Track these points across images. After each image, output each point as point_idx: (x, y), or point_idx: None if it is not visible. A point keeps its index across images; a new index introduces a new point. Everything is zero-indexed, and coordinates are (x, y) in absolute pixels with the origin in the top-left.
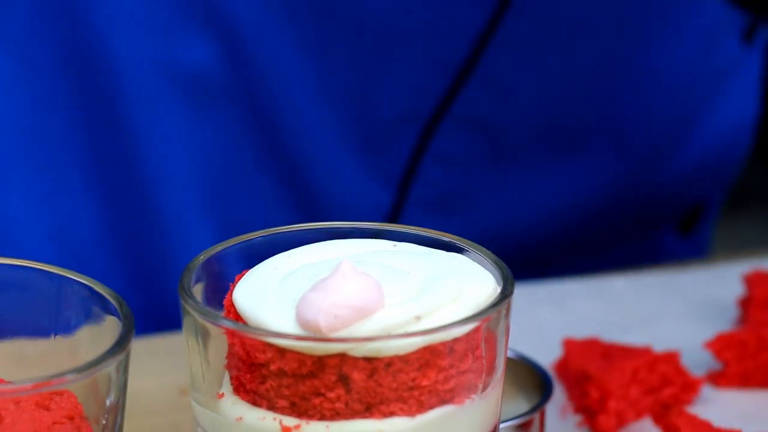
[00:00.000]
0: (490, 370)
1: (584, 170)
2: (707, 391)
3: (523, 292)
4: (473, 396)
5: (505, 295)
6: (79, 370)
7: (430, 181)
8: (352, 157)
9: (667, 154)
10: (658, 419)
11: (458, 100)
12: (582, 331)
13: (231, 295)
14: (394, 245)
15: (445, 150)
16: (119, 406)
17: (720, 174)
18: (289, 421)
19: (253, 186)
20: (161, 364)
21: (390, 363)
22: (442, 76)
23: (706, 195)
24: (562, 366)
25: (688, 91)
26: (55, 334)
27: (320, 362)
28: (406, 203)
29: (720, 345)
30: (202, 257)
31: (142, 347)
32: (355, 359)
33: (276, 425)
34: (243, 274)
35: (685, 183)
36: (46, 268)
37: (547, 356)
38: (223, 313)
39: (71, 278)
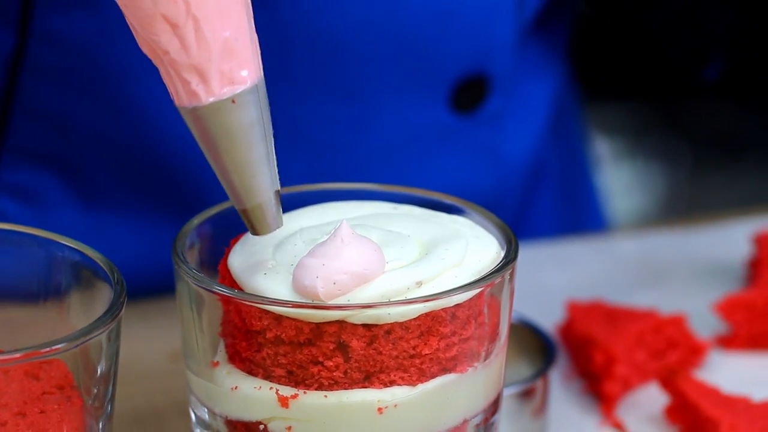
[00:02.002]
0: (494, 337)
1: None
2: (715, 355)
3: (525, 253)
4: (476, 364)
5: (509, 259)
6: (69, 339)
7: (2, 216)
8: None
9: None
10: (664, 384)
11: (11, 132)
12: (586, 293)
13: (226, 260)
14: (395, 207)
15: (14, 183)
16: (111, 375)
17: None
18: (286, 390)
19: None
20: (152, 328)
21: (390, 330)
22: None
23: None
24: (566, 330)
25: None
26: (45, 300)
27: (318, 330)
28: None
29: (728, 307)
30: (196, 221)
31: (132, 312)
32: (354, 326)
33: (272, 395)
34: (238, 239)
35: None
36: (34, 232)
37: (550, 319)
38: (218, 279)
39: (61, 243)
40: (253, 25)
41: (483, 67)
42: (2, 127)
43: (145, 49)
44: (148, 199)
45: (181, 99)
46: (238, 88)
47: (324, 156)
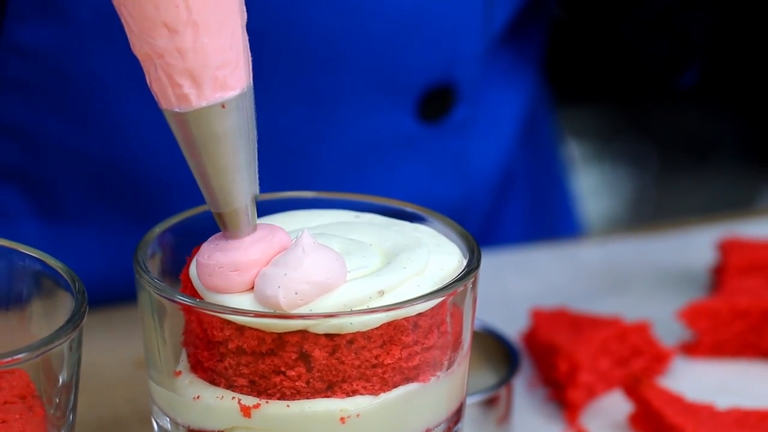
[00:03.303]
0: (456, 345)
1: None
2: (679, 362)
3: (489, 260)
4: (439, 373)
5: (471, 268)
6: (30, 348)
7: None
8: None
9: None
10: (628, 392)
11: None
12: (550, 300)
13: (188, 270)
14: (357, 216)
15: None
16: (72, 384)
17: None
18: (248, 400)
19: None
20: (115, 336)
21: (352, 340)
22: None
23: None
24: (530, 337)
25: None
26: (6, 310)
27: (280, 339)
28: None
29: (692, 314)
30: (158, 229)
31: (95, 320)
32: (317, 336)
33: (234, 404)
34: (200, 247)
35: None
36: None
37: (513, 326)
38: (179, 288)
39: (22, 252)
40: (245, 31)
41: (449, 77)
42: None
43: (137, 51)
44: (114, 210)
45: (169, 102)
46: (229, 94)
47: (289, 162)
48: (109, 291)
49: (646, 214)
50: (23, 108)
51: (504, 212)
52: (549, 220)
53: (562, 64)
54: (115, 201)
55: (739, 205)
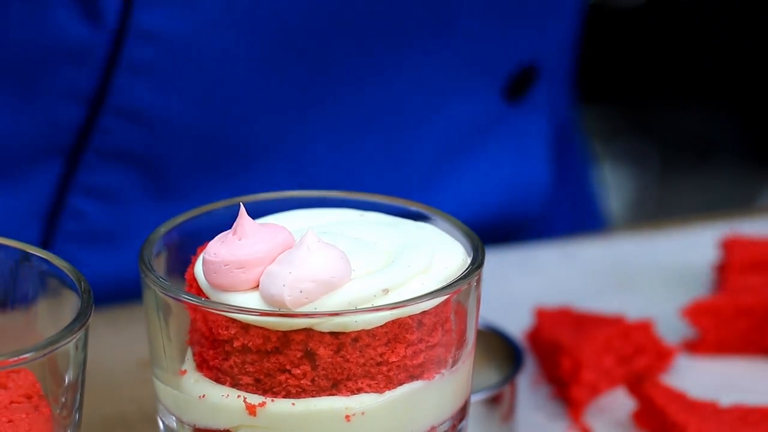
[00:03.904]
0: (461, 343)
1: None
2: (682, 360)
3: (492, 258)
4: (443, 371)
5: (475, 266)
6: (36, 348)
7: (81, 216)
8: None
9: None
10: (632, 389)
11: (97, 130)
12: (553, 298)
13: (193, 269)
14: (361, 215)
15: (95, 184)
16: (78, 384)
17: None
18: (254, 398)
19: None
20: (120, 335)
21: (357, 338)
22: (76, 105)
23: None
24: (534, 336)
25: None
26: (12, 310)
27: (285, 338)
28: (57, 238)
29: (695, 312)
30: (163, 229)
31: (100, 319)
32: (322, 334)
33: (240, 403)
34: (205, 246)
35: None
36: (1, 242)
37: (517, 324)
38: (185, 287)
39: (27, 252)
40: None
41: (536, 57)
42: (87, 133)
43: None
44: (229, 197)
45: None
46: None
47: (383, 142)
48: None
49: (647, 214)
50: (150, 92)
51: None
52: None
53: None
54: (232, 187)
55: (740, 205)
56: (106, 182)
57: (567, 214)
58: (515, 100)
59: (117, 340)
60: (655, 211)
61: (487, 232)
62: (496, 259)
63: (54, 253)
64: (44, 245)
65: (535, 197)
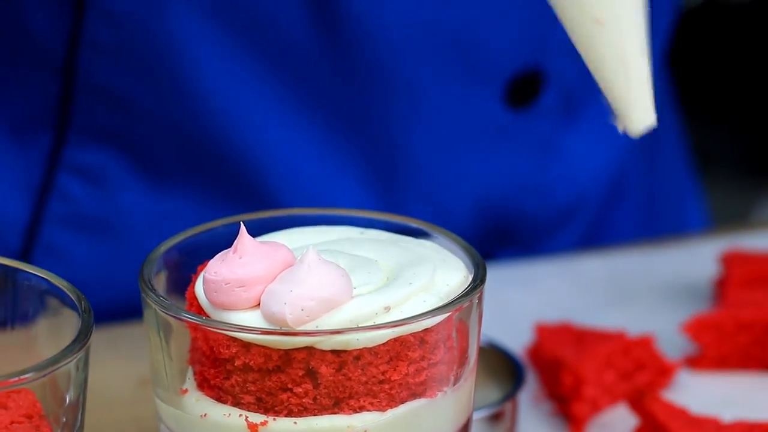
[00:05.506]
0: (463, 361)
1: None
2: (684, 376)
3: (492, 274)
4: (445, 389)
5: (477, 282)
6: (37, 368)
7: (69, 199)
8: None
9: None
10: (633, 405)
11: (76, 106)
12: (553, 314)
13: (193, 288)
14: (361, 232)
15: (82, 163)
16: (79, 404)
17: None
18: (256, 417)
19: None
20: (119, 355)
21: (359, 356)
22: (51, 76)
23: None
24: (535, 352)
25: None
26: (12, 329)
27: (287, 356)
28: (46, 220)
29: (696, 327)
30: (163, 247)
31: (99, 339)
32: (323, 353)
33: (242, 422)
34: (205, 265)
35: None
36: (0, 261)
37: (517, 341)
38: (185, 306)
39: (27, 271)
40: None
41: (538, 63)
42: (67, 106)
43: None
44: (207, 182)
45: None
46: None
47: (380, 145)
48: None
49: None
50: (116, 72)
51: (615, 214)
52: (668, 218)
53: None
54: (207, 173)
55: (736, 218)
56: (93, 162)
57: (636, 221)
58: (520, 106)
59: (116, 359)
60: None
61: (491, 235)
62: (496, 276)
63: (44, 239)
64: (33, 226)
65: (533, 200)
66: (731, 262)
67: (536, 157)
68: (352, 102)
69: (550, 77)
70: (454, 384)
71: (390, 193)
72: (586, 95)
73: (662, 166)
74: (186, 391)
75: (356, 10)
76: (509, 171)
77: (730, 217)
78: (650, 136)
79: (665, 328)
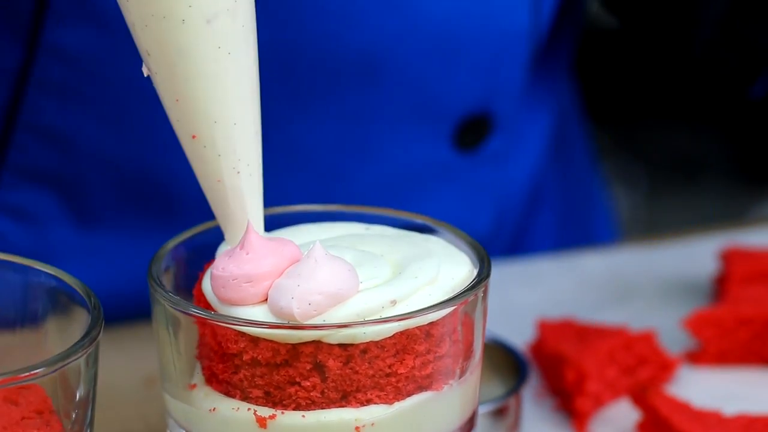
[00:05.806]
0: (468, 354)
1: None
2: (685, 371)
3: (494, 271)
4: (451, 382)
5: (482, 277)
6: (47, 364)
7: (4, 238)
8: None
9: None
10: (636, 400)
11: (12, 146)
12: (555, 311)
13: (200, 284)
14: (367, 228)
15: (13, 203)
16: (89, 399)
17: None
18: (264, 411)
19: None
20: (126, 354)
21: (366, 349)
22: None
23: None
24: (537, 348)
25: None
26: (22, 326)
27: (294, 350)
28: None
29: (697, 323)
30: (171, 244)
31: (104, 338)
32: (330, 346)
33: (250, 416)
34: (212, 262)
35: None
36: (11, 259)
37: (520, 337)
38: (193, 302)
39: (37, 268)
40: None
41: (488, 107)
42: (3, 147)
43: None
44: (145, 218)
45: None
46: None
47: (324, 179)
48: (141, 298)
49: (637, 233)
50: (62, 111)
51: (534, 222)
52: (584, 226)
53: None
54: (147, 210)
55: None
56: (24, 202)
57: (556, 229)
58: (467, 150)
59: (122, 358)
60: (645, 230)
61: None
62: (498, 272)
63: None
64: None
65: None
66: (731, 258)
67: (474, 199)
68: (302, 136)
69: (499, 121)
70: (460, 377)
71: None
72: (517, 128)
73: (573, 174)
74: (195, 386)
75: (308, 33)
76: (450, 213)
77: (721, 222)
78: (561, 143)
79: (666, 324)
